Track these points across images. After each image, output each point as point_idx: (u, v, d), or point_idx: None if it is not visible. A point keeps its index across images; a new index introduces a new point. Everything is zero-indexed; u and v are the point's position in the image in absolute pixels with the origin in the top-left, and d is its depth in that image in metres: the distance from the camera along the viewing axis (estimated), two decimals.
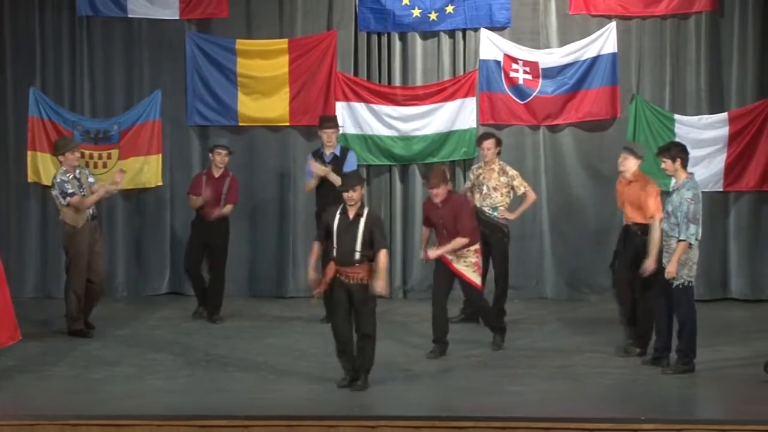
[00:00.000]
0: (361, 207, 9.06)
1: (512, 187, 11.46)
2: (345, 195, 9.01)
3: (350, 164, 11.77)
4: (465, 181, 13.07)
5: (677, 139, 12.34)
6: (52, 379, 9.47)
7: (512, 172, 11.49)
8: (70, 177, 11.20)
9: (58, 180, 11.23)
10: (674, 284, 9.42)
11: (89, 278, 11.36)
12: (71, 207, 11.14)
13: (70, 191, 11.12)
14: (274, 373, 9.58)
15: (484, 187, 11.45)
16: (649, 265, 9.74)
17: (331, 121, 12.09)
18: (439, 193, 10.16)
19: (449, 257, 10.26)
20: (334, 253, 9.01)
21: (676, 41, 13.25)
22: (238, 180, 12.13)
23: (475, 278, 10.36)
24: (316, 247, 9.20)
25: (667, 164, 9.59)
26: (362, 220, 8.97)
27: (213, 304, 12.01)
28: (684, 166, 9.57)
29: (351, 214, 9.00)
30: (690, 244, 9.36)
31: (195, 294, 12.28)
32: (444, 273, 10.36)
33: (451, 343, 10.68)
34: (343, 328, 9.09)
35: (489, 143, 11.47)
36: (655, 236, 9.78)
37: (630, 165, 10.20)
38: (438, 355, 10.30)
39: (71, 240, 11.24)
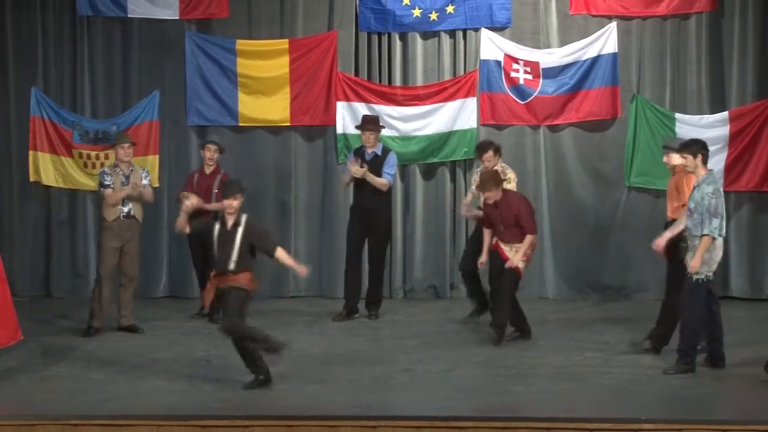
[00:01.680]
0: (239, 216, 9.12)
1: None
2: (224, 203, 9.10)
3: (389, 165, 11.89)
4: (465, 181, 13.13)
5: (679, 138, 12.40)
6: (52, 379, 9.46)
7: (509, 175, 11.43)
8: (117, 171, 11.31)
9: (101, 170, 11.49)
10: (694, 278, 9.41)
11: (120, 279, 11.44)
12: (104, 199, 11.27)
13: (106, 183, 11.27)
14: (273, 373, 9.55)
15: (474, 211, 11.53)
16: (658, 243, 9.89)
17: (371, 123, 12.09)
18: (490, 196, 10.72)
19: (503, 246, 10.73)
20: (214, 263, 9.15)
21: (676, 41, 13.25)
22: (230, 178, 12.10)
23: (520, 264, 10.70)
24: None
25: (687, 160, 9.56)
26: (239, 230, 9.05)
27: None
28: (704, 162, 9.55)
29: (229, 224, 9.08)
30: (714, 238, 9.34)
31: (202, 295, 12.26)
32: (501, 264, 10.72)
33: (451, 343, 10.72)
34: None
35: (488, 156, 11.38)
36: (680, 226, 9.77)
37: (674, 160, 10.15)
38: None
39: (101, 234, 11.47)
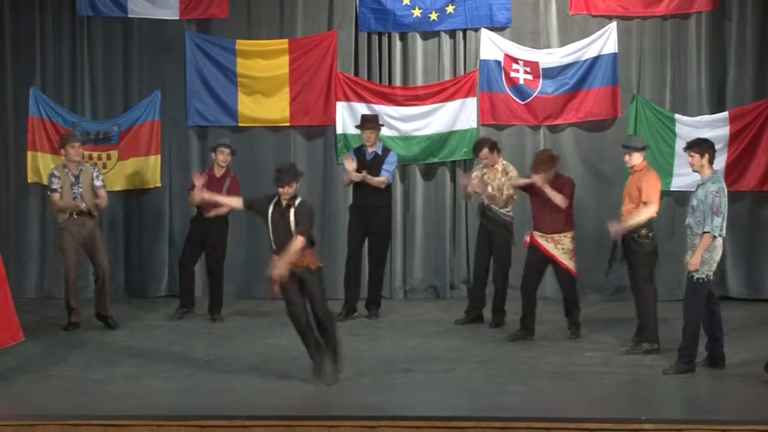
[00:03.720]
0: (293, 198, 9.19)
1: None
2: (280, 189, 9.14)
3: (388, 162, 11.91)
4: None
5: (678, 139, 12.43)
6: (52, 379, 9.46)
7: (512, 173, 11.52)
8: (67, 172, 11.28)
9: (51, 172, 11.52)
10: (695, 278, 9.41)
11: (94, 272, 11.54)
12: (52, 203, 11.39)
13: (53, 186, 11.33)
14: (274, 373, 9.58)
15: (489, 188, 11.53)
16: (615, 230, 10.11)
17: (370, 121, 12.11)
18: (543, 178, 10.68)
19: (543, 242, 10.75)
20: (272, 245, 9.18)
21: (676, 41, 13.26)
22: (239, 181, 12.12)
23: (571, 265, 10.83)
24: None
25: (694, 159, 9.54)
26: (292, 210, 9.14)
27: (213, 303, 12.04)
28: (711, 162, 9.54)
29: (283, 203, 9.19)
30: (714, 236, 9.33)
31: (179, 293, 12.28)
32: (537, 259, 10.84)
33: (451, 343, 10.73)
34: (300, 316, 9.21)
35: (484, 153, 11.61)
36: (638, 219, 10.06)
37: (635, 159, 10.26)
38: (523, 338, 10.88)
39: (58, 235, 11.61)
